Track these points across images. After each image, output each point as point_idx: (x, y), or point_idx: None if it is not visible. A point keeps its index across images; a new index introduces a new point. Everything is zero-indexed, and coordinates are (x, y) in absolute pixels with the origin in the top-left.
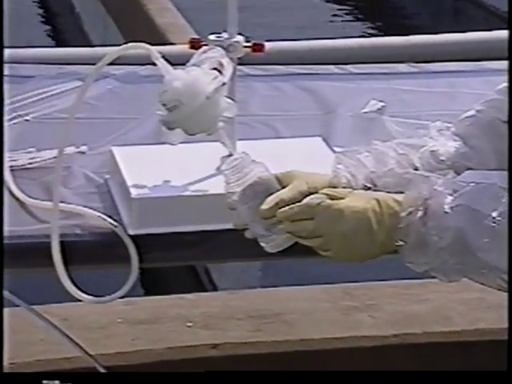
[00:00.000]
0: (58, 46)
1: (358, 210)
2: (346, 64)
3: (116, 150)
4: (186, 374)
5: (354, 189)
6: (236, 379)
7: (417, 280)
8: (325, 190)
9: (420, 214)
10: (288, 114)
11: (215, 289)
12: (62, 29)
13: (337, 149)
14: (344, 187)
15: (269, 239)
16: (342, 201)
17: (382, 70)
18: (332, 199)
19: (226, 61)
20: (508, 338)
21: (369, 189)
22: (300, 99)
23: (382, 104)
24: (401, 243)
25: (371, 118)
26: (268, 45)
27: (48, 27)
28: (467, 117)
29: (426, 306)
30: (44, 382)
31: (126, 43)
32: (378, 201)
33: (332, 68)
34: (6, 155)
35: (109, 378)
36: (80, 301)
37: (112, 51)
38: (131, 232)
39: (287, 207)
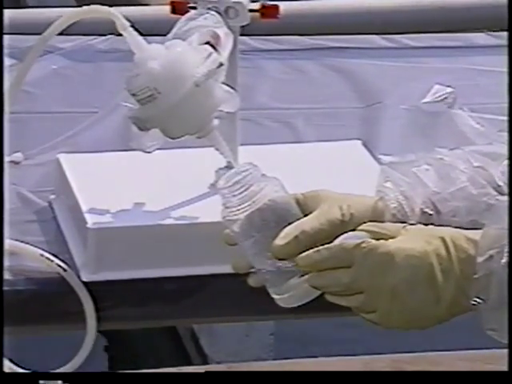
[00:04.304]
0: None
1: (416, 255)
2: (397, 34)
3: (64, 159)
4: (188, 375)
5: (409, 219)
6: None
7: (500, 350)
8: (366, 226)
9: (505, 259)
10: (313, 106)
11: (205, 361)
12: None
13: (383, 158)
14: (394, 215)
15: (283, 289)
16: (391, 241)
17: (450, 43)
18: (377, 238)
19: (223, 31)
20: (508, 338)
21: (430, 217)
22: (330, 85)
23: (451, 91)
24: (478, 301)
25: (434, 111)
26: (284, 6)
27: None
28: None
29: None
30: (41, 382)
31: (78, 5)
32: (443, 240)
33: (376, 39)
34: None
35: (109, 378)
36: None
37: (62, 16)
38: (86, 278)
39: (311, 250)
